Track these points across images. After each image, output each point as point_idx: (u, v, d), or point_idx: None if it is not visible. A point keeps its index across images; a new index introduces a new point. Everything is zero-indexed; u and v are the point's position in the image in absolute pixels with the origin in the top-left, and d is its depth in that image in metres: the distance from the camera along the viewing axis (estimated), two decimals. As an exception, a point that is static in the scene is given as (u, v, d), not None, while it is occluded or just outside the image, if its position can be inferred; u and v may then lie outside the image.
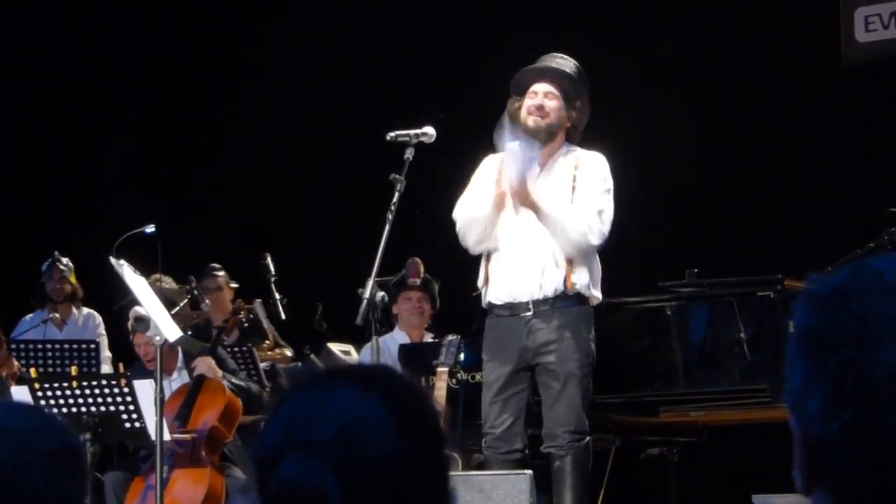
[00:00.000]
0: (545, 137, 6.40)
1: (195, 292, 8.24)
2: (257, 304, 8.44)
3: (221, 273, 9.15)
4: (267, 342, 8.82)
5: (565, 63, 6.61)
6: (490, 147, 6.59)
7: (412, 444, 1.66)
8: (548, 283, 6.25)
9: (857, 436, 1.38)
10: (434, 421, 1.74)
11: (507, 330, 6.31)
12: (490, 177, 6.52)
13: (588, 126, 6.55)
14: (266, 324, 8.84)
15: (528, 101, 6.43)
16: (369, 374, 1.75)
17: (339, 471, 1.60)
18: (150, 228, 7.89)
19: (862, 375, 1.37)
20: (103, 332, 9.53)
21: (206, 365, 7.31)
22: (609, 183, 6.46)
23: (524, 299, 6.28)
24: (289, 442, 1.64)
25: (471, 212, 6.36)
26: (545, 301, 6.26)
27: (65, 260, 9.73)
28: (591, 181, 6.43)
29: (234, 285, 9.18)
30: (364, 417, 1.65)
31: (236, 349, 7.97)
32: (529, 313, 6.25)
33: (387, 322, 7.77)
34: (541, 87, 6.46)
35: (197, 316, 8.31)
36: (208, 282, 9.06)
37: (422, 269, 8.13)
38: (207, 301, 8.63)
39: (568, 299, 6.28)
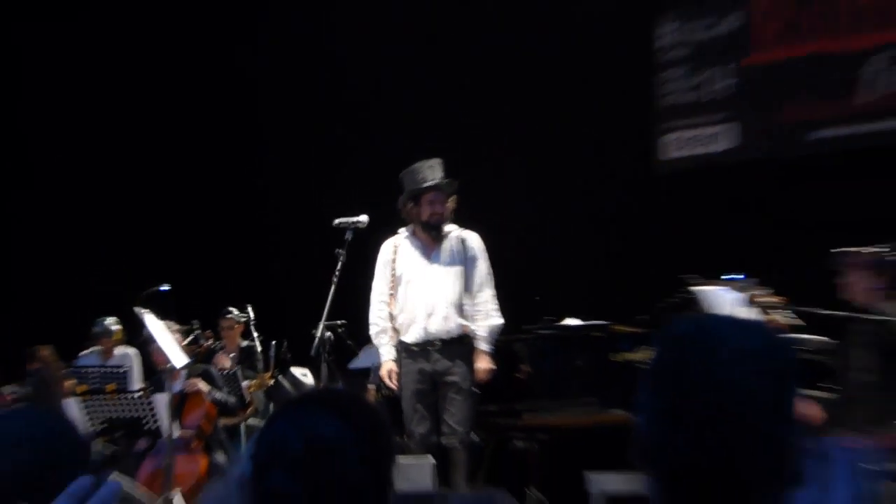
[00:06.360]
0: (441, 229, 6.98)
1: (196, 332, 8.36)
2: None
3: (231, 315, 9.51)
4: (268, 373, 9.03)
5: (437, 170, 6.90)
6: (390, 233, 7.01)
7: (367, 449, 1.72)
8: (452, 327, 6.89)
9: (664, 420, 1.49)
10: (384, 429, 1.79)
11: (417, 356, 6.85)
12: (385, 272, 7.01)
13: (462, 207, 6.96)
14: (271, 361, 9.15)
15: (428, 209, 6.86)
16: (330, 398, 1.76)
17: (307, 479, 1.66)
18: (165, 287, 8.39)
19: (684, 374, 1.52)
20: (133, 364, 9.73)
21: (195, 385, 7.80)
22: (487, 259, 7.00)
23: (434, 338, 6.85)
24: (274, 456, 1.69)
25: (379, 325, 7.00)
26: (451, 340, 6.89)
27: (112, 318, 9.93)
28: (480, 268, 6.94)
29: (243, 319, 9.43)
30: (326, 434, 1.67)
31: (224, 373, 8.42)
32: (437, 347, 6.84)
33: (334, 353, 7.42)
34: (432, 197, 6.93)
35: (201, 349, 8.45)
36: (223, 321, 9.54)
37: None
38: (210, 339, 8.95)
39: (463, 338, 6.94)
